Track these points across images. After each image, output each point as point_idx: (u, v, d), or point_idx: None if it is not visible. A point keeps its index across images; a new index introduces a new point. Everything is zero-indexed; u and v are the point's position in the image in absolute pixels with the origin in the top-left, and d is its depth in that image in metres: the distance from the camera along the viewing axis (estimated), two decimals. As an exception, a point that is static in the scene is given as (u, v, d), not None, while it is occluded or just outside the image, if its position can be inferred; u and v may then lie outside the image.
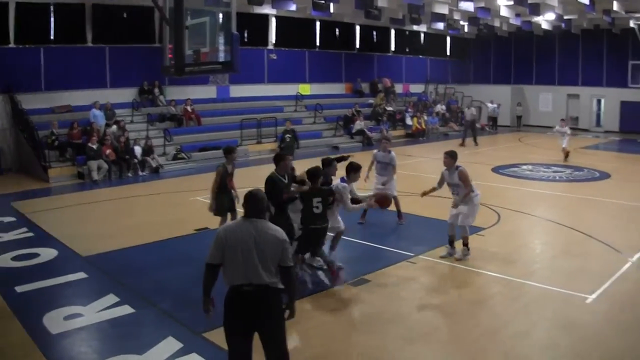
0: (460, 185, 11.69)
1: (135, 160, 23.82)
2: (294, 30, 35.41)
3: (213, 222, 13.01)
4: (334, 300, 10.14)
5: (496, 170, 23.35)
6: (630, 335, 8.73)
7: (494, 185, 20.25)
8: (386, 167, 14.87)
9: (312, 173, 10.45)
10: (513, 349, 8.17)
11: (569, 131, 27.22)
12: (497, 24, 38.76)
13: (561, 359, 7.98)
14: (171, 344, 8.13)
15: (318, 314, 9.51)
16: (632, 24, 37.11)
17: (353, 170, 11.48)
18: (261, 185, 8.64)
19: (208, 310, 6.34)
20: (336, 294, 10.36)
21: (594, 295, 10.12)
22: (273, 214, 10.12)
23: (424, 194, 12.32)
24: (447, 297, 10.34)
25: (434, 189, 12.20)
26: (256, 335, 6.19)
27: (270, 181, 10.34)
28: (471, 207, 11.74)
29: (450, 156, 11.85)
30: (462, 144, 31.51)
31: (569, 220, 14.91)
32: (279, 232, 6.19)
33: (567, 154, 26.63)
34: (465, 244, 11.96)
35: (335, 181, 11.21)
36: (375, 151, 15.39)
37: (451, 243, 12.08)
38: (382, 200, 11.69)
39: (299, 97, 34.91)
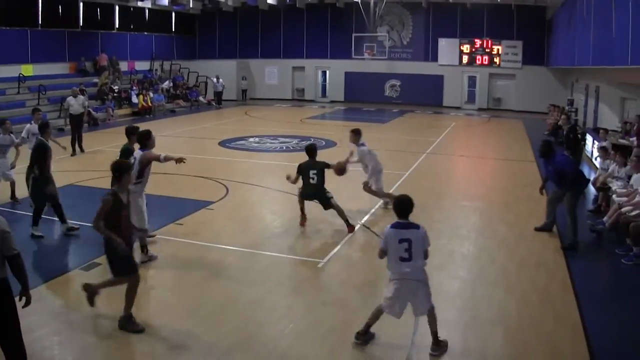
0: None
1: None
2: (15, 8, 32.90)
3: None
4: (68, 288, 9.55)
5: (223, 144, 23.03)
6: (362, 293, 9.02)
7: (221, 159, 20.15)
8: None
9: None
10: (252, 318, 8.11)
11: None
12: (222, -1, 38.63)
13: (298, 322, 8.01)
14: None
15: (48, 304, 8.76)
16: (356, -2, 38.64)
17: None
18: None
19: None
20: (68, 281, 9.74)
21: (325, 259, 10.37)
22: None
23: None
24: (181, 274, 10.03)
25: None
26: None
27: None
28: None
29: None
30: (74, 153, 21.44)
31: (297, 189, 14.76)
32: None
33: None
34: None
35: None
36: None
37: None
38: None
39: (21, 79, 32.26)
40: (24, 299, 6.04)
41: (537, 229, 12.03)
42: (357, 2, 39.23)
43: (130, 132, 11.24)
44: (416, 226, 7.10)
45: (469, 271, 9.85)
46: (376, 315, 7.38)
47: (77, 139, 21.43)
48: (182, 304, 8.63)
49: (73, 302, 8.85)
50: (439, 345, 7.15)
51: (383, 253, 7.17)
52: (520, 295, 8.89)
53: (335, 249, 10.92)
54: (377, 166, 13.63)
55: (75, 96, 22.54)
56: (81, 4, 36.97)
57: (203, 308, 8.36)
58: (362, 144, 13.57)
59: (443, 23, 40.18)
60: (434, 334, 7.17)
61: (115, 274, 7.74)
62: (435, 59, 40.65)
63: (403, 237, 7.01)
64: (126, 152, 10.86)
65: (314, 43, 44.17)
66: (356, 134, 13.64)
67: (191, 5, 41.34)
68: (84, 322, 8.09)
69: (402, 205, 7.22)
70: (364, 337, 7.38)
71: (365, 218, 13.08)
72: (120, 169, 7.77)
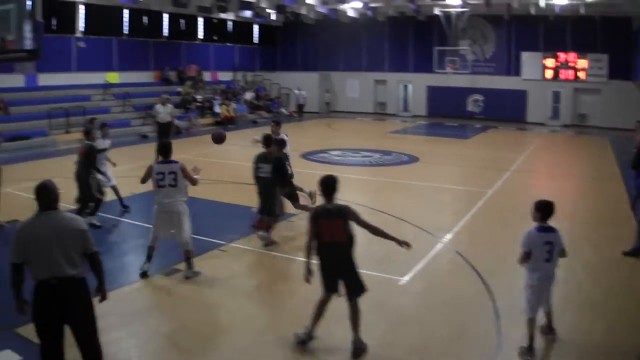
0: None
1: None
2: (102, 18, 34.05)
3: (22, 213, 11.85)
4: (148, 292, 9.87)
5: (305, 156, 23.11)
6: (442, 313, 8.99)
7: (304, 171, 19.90)
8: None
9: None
10: (329, 335, 7.98)
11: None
12: (304, 11, 39.01)
13: (377, 340, 7.91)
14: (-19, 342, 7.62)
15: (131, 305, 9.06)
16: (436, 11, 38.48)
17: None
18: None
19: (22, 312, 6.07)
20: (149, 284, 10.04)
21: (407, 277, 10.33)
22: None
23: None
24: (260, 285, 10.27)
25: None
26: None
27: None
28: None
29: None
30: None
31: (379, 204, 14.90)
32: (78, 220, 6.16)
33: None
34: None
35: None
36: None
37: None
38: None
39: (107, 86, 33.54)
40: (99, 294, 6.33)
41: (625, 254, 11.52)
42: (439, 16, 38.99)
43: (272, 141, 12.14)
44: (555, 229, 7.63)
45: (554, 294, 9.67)
46: (531, 326, 7.59)
47: None
48: (261, 315, 8.77)
49: (152, 306, 9.20)
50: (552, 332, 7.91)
51: (527, 256, 7.49)
52: (607, 322, 8.64)
53: (417, 267, 10.83)
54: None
55: (163, 104, 22.91)
56: (166, 16, 37.96)
57: (282, 321, 8.47)
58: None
59: (526, 36, 39.38)
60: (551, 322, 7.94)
61: (362, 289, 7.64)
62: (518, 73, 39.86)
63: (547, 240, 7.51)
64: (280, 160, 11.85)
65: (395, 56, 43.99)
66: (277, 125, 14.26)
67: (273, 18, 41.83)
68: (161, 327, 8.34)
69: (546, 209, 7.63)
70: (530, 351, 7.50)
71: (449, 237, 12.89)
72: (335, 185, 7.78)
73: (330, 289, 7.62)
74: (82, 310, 6.06)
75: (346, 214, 7.52)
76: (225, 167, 19.58)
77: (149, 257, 10.30)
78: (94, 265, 6.19)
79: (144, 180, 10.26)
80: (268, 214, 12.09)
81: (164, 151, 10.23)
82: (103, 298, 6.38)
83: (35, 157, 23.17)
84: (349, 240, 7.50)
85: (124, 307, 8.82)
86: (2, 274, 6.02)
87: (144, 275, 10.18)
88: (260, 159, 12.15)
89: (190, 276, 10.18)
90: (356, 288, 7.58)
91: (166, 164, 10.07)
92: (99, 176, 13.63)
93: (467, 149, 27.63)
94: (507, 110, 39.81)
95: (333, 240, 7.43)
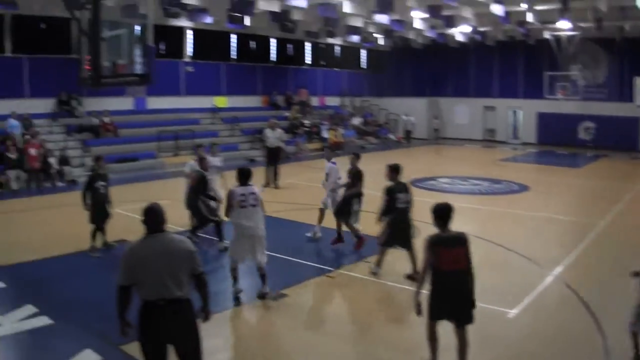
0: None
1: (54, 171, 23.48)
2: (210, 43, 35.40)
3: (130, 234, 12.54)
4: (254, 315, 10.09)
5: (414, 183, 23.09)
6: (552, 347, 8.79)
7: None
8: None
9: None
10: None
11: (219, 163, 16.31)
12: (411, 36, 39.13)
13: None
14: (89, 357, 8.02)
15: (236, 329, 9.41)
16: (546, 35, 37.81)
17: None
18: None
19: (125, 334, 6.28)
20: (254, 308, 10.27)
21: (515, 310, 10.21)
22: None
23: None
24: (366, 314, 10.26)
25: None
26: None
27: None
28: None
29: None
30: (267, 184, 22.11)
31: (488, 234, 14.81)
32: (186, 242, 6.29)
33: None
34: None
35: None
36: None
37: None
38: None
39: (215, 110, 34.49)
40: (203, 314, 6.50)
41: None
42: (549, 40, 38.33)
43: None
44: None
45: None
46: (635, 338, 7.65)
47: (273, 173, 22.20)
48: (369, 342, 8.93)
49: (257, 330, 9.47)
50: None
51: None
52: None
53: (527, 300, 10.67)
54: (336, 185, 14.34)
55: (272, 129, 23.27)
56: (273, 40, 39.02)
57: (387, 353, 8.51)
58: (334, 162, 14.70)
59: (639, 60, 37.84)
60: None
61: (472, 319, 7.64)
62: (631, 99, 37.63)
63: None
64: (403, 187, 11.87)
65: (505, 81, 43.40)
66: (332, 150, 15.63)
67: (381, 42, 42.24)
68: (267, 352, 8.55)
69: None
70: None
71: (559, 269, 12.57)
72: (450, 213, 7.71)
73: (439, 316, 7.62)
74: (187, 330, 6.18)
75: (466, 242, 7.50)
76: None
77: (235, 279, 10.59)
78: (200, 285, 6.34)
79: (227, 212, 10.43)
80: (409, 248, 11.74)
81: (243, 177, 10.48)
82: (207, 318, 6.53)
83: (144, 179, 24.31)
84: (470, 267, 7.48)
85: (229, 330, 9.14)
86: (112, 291, 6.28)
87: (237, 300, 10.47)
88: (397, 190, 11.77)
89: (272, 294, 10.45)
90: (468, 317, 7.55)
91: (246, 187, 10.37)
92: (210, 202, 14.07)
93: (578, 178, 27.06)
94: (620, 138, 38.24)
95: (455, 268, 7.39)
